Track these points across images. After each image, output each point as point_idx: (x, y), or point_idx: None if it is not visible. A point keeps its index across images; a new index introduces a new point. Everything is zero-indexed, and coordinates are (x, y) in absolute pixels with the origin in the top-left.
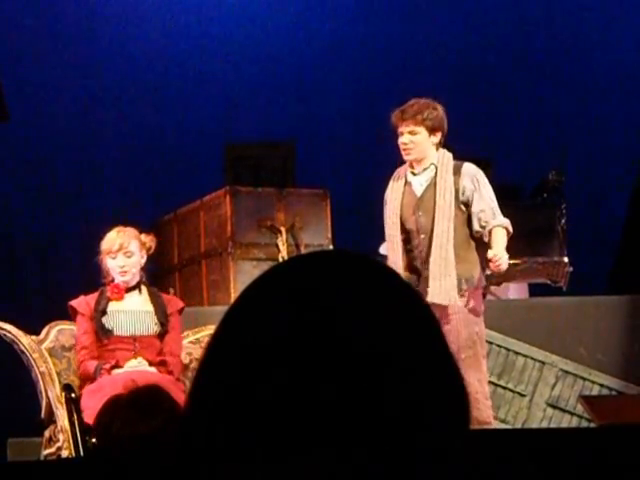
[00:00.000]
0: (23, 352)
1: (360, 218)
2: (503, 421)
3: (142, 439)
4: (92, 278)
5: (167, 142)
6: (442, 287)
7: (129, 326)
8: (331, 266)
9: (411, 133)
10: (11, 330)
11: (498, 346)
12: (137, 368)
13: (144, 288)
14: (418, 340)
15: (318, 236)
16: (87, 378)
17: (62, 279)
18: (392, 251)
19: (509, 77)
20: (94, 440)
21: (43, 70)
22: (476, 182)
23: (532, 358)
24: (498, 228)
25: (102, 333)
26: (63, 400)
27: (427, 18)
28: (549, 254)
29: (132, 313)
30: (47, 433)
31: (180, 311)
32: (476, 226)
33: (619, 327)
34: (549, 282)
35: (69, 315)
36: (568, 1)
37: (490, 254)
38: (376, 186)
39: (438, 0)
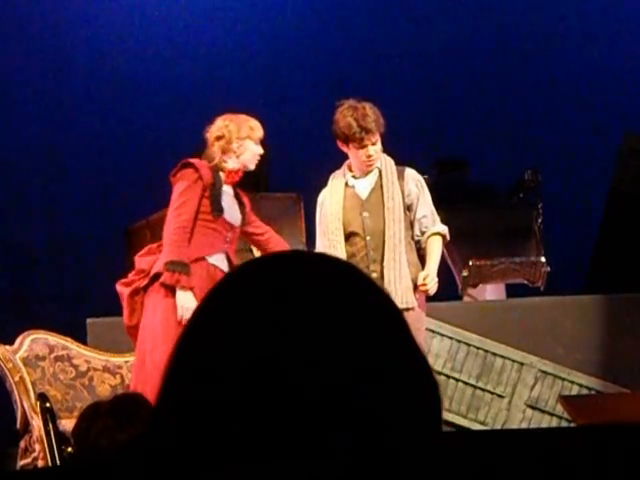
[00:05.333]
0: None
1: None
2: (482, 423)
3: (120, 447)
4: (66, 287)
5: (139, 148)
6: (398, 291)
7: (232, 213)
8: (296, 264)
9: (374, 144)
10: None
11: (476, 348)
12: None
13: None
14: (386, 337)
15: (292, 240)
16: (173, 254)
17: (34, 288)
18: None
19: (484, 77)
20: (70, 450)
21: (12, 72)
22: (420, 186)
23: (510, 359)
24: (436, 236)
25: (213, 209)
26: (38, 410)
27: (399, 19)
28: (526, 254)
29: (233, 201)
30: (23, 443)
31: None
32: (417, 231)
33: (597, 327)
34: (526, 282)
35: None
36: (542, 4)
37: (421, 277)
38: None
39: (409, 0)
